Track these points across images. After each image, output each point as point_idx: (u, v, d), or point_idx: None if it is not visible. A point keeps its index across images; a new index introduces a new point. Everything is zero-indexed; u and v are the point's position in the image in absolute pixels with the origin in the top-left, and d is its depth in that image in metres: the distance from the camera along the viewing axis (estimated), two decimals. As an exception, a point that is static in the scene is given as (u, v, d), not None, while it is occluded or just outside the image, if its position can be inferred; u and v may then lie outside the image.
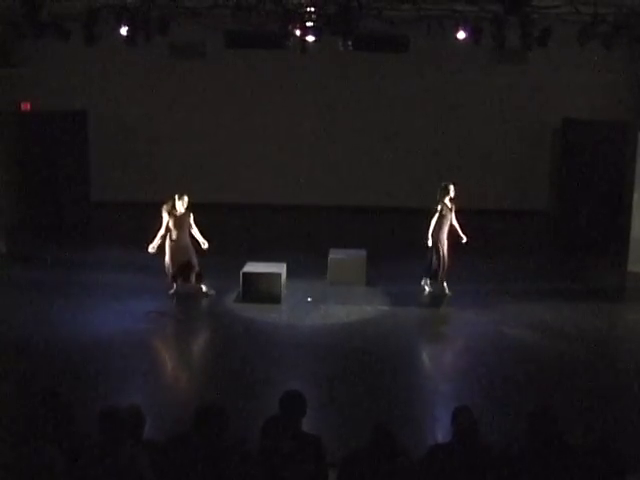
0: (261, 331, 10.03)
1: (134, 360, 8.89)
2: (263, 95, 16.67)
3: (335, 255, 11.78)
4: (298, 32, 12.17)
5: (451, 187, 11.02)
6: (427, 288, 11.37)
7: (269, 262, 11.16)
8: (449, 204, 11.05)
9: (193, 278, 10.81)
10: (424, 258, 11.19)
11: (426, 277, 11.33)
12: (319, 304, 10.83)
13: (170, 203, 10.71)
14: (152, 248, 10.61)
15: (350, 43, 12.22)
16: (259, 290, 10.79)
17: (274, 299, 10.76)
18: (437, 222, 10.96)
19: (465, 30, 12.20)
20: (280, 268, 11.12)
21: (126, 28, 12.14)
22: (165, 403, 7.67)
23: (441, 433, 6.87)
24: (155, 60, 16.18)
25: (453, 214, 11.14)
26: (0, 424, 6.52)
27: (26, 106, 15.46)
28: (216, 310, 10.72)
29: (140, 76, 16.58)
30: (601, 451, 4.48)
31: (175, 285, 10.84)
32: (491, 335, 9.87)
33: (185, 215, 10.72)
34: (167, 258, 10.70)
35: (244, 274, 10.84)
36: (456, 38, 12.33)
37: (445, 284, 11.21)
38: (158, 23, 12.53)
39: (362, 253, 11.84)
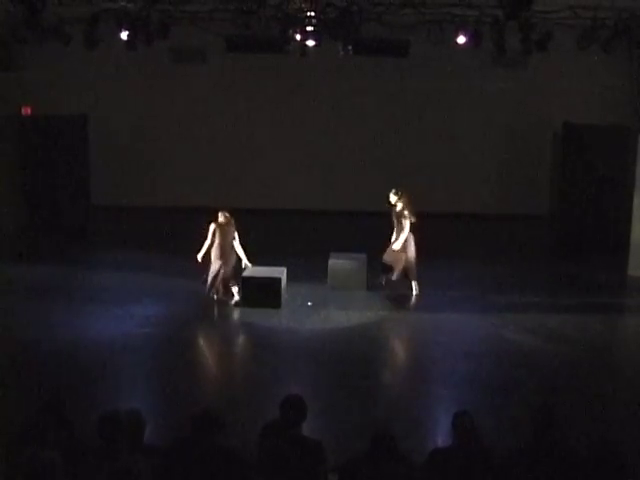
0: (261, 335, 10.03)
1: (134, 364, 8.88)
2: (263, 99, 16.69)
3: (335, 259, 11.77)
4: (298, 37, 12.19)
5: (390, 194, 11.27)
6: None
7: (269, 266, 11.15)
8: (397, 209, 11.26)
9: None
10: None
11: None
12: (319, 309, 10.82)
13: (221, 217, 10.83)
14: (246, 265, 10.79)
15: (350, 48, 12.24)
16: (259, 294, 10.78)
17: (274, 303, 10.74)
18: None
19: (465, 34, 12.21)
20: (280, 272, 11.12)
21: (126, 32, 12.16)
22: (165, 407, 7.66)
23: (441, 437, 6.86)
24: (155, 64, 16.20)
25: (402, 220, 11.21)
26: (0, 428, 6.52)
27: (27, 110, 15.48)
28: (216, 314, 10.71)
29: (140, 80, 16.59)
30: (603, 456, 4.46)
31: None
32: (491, 339, 9.86)
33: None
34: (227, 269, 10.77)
35: (244, 278, 10.82)
36: (456, 42, 12.34)
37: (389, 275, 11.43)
38: (158, 27, 12.55)
39: (363, 257, 11.84)
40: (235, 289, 10.80)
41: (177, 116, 16.80)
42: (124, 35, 12.20)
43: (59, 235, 14.58)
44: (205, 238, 10.67)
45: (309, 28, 11.89)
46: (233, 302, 10.83)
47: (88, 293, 11.30)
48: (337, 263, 11.70)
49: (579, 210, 14.99)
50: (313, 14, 11.66)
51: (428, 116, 16.75)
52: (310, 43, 12.22)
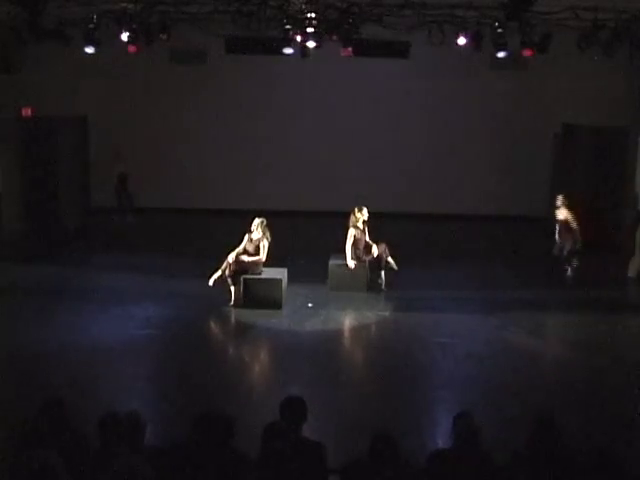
0: (262, 336, 10.04)
1: (134, 366, 8.88)
2: (264, 100, 16.70)
3: (336, 261, 11.79)
4: (299, 38, 12.20)
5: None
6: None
7: (270, 267, 11.16)
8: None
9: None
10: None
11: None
12: (320, 310, 10.83)
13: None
14: None
15: (351, 49, 12.25)
16: (260, 295, 10.79)
17: (275, 304, 10.76)
18: None
19: (465, 36, 12.24)
20: (281, 273, 11.13)
21: (127, 34, 12.17)
22: (165, 409, 7.66)
23: (442, 439, 6.86)
24: (156, 66, 16.22)
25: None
26: (0, 429, 6.52)
27: (27, 112, 15.47)
28: (217, 315, 10.72)
29: (141, 82, 16.61)
30: (603, 459, 4.46)
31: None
32: (491, 340, 9.86)
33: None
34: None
35: (245, 279, 10.83)
36: (457, 44, 12.36)
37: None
38: (159, 29, 12.56)
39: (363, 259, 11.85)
40: (232, 288, 10.82)
41: (177, 117, 16.81)
42: (124, 36, 12.21)
43: (59, 236, 14.59)
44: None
45: (309, 29, 11.90)
46: (232, 303, 10.84)
47: (88, 294, 11.29)
48: (338, 264, 11.72)
49: (578, 211, 14.98)
50: (314, 15, 11.67)
51: (428, 117, 16.77)
52: (310, 44, 12.23)
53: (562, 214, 12.36)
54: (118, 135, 16.71)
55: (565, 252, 12.39)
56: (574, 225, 12.30)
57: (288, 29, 11.93)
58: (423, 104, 16.68)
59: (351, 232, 11.61)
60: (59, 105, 15.51)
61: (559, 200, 12.44)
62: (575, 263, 12.38)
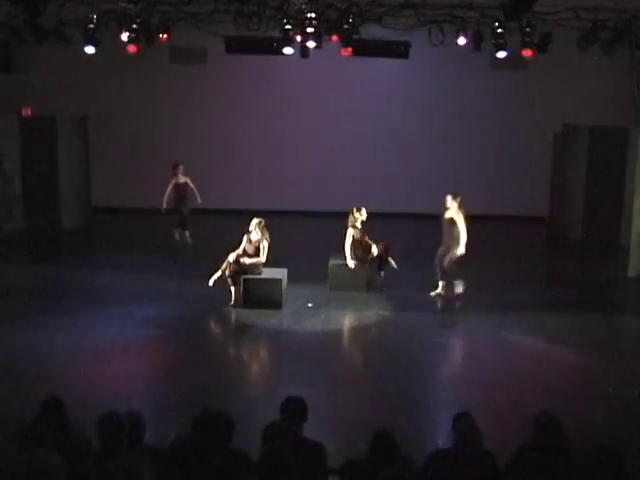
0: (262, 336, 10.03)
1: (134, 366, 8.88)
2: (263, 100, 16.70)
3: (336, 261, 11.79)
4: (299, 38, 12.20)
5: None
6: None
7: (270, 267, 11.16)
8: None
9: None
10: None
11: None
12: (320, 309, 10.83)
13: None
14: None
15: (351, 49, 12.25)
16: (260, 295, 10.79)
17: (275, 304, 10.76)
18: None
19: (465, 36, 12.24)
20: (281, 273, 11.13)
21: (127, 34, 12.18)
22: (165, 409, 7.66)
23: (442, 439, 6.86)
24: (156, 66, 16.22)
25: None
26: (0, 429, 6.52)
27: (27, 111, 15.49)
28: (217, 315, 10.72)
29: (141, 81, 16.62)
30: (603, 459, 4.46)
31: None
32: (491, 340, 9.86)
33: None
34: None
35: (245, 279, 10.83)
36: (457, 44, 12.36)
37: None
38: (159, 29, 12.57)
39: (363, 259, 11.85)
40: (233, 288, 10.82)
41: (177, 117, 16.81)
42: (124, 36, 12.21)
43: (59, 236, 14.59)
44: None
45: (310, 29, 11.90)
46: (232, 303, 10.84)
47: (88, 294, 11.30)
48: (338, 264, 11.72)
49: (579, 211, 15.00)
50: (314, 15, 11.66)
51: (428, 117, 16.77)
52: (311, 44, 12.23)
53: (450, 214, 11.23)
54: (118, 135, 16.72)
55: (446, 262, 11.18)
56: (462, 229, 11.09)
57: (288, 29, 11.93)
58: (423, 104, 16.68)
59: (350, 232, 11.61)
60: (59, 105, 15.52)
61: (448, 200, 11.24)
62: (459, 285, 11.17)
